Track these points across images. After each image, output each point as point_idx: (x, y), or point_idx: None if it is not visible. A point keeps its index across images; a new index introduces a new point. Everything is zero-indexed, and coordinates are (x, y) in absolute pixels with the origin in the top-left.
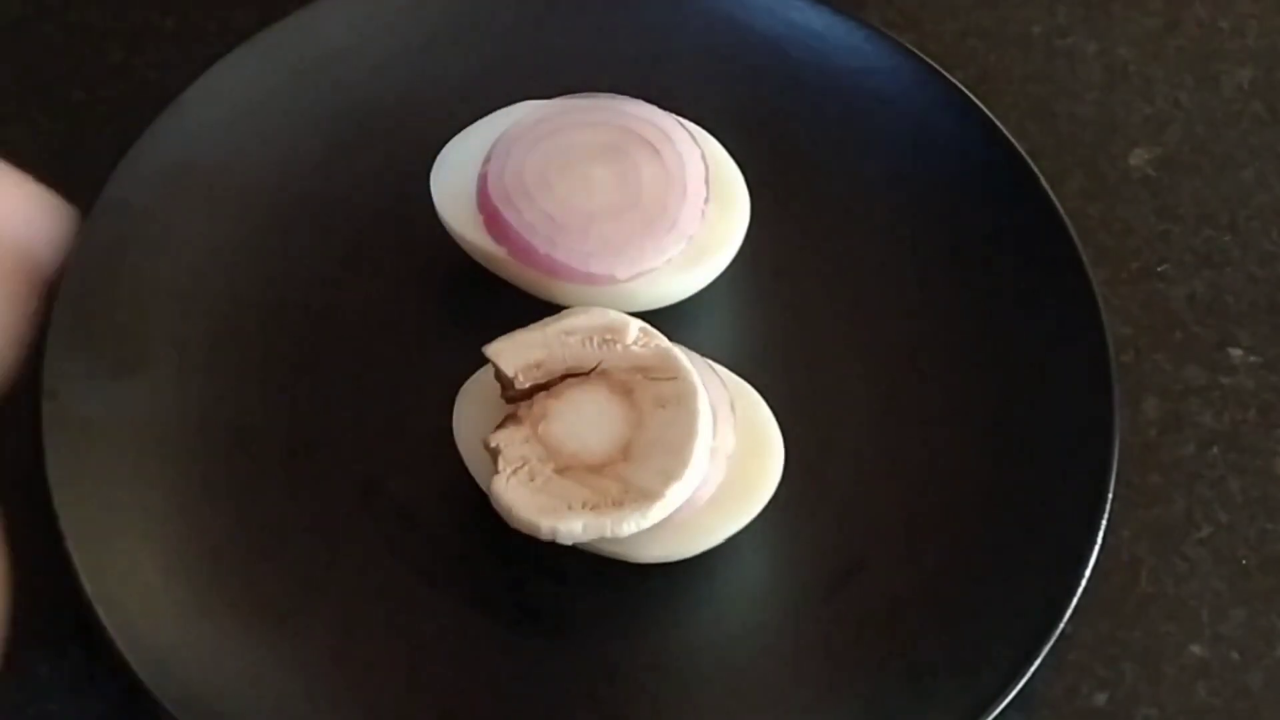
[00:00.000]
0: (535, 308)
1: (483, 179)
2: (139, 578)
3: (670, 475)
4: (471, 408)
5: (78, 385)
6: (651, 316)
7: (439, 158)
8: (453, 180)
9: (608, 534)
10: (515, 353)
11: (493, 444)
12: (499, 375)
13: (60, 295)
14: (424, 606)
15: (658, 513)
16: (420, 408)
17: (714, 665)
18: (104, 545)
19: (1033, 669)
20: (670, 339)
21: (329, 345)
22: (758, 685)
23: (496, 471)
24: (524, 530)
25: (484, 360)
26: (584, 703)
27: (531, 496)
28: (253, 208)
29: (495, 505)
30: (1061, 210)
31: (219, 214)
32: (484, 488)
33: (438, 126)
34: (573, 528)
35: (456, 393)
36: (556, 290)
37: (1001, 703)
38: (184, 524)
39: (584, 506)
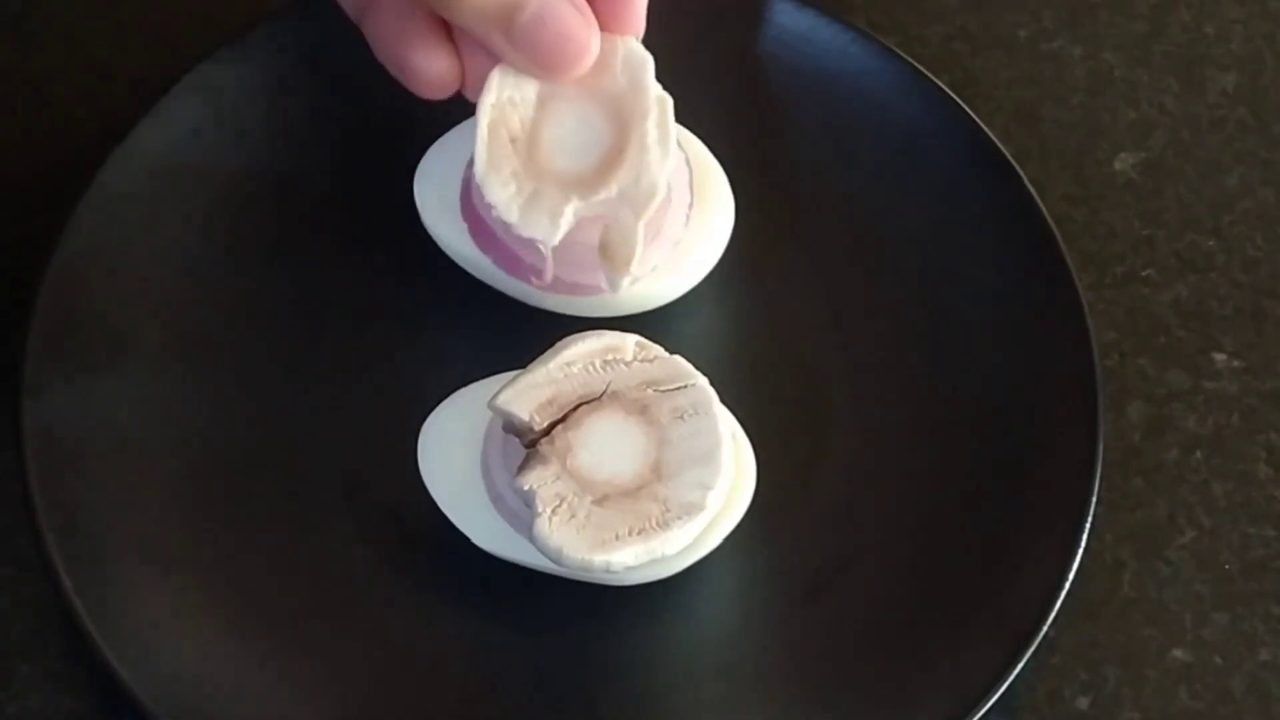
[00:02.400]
0: (520, 313)
1: (466, 184)
2: (119, 576)
3: (707, 485)
4: (437, 449)
5: (59, 383)
6: (637, 320)
7: (422, 163)
8: (436, 186)
9: (658, 555)
10: (525, 397)
11: (526, 487)
12: (513, 425)
13: (44, 292)
14: (405, 608)
15: (702, 522)
16: (405, 413)
17: (693, 681)
18: (84, 543)
19: (1015, 672)
20: (653, 341)
21: (313, 349)
22: (738, 697)
23: (536, 514)
24: (575, 568)
25: (468, 367)
26: (560, 713)
27: (577, 534)
28: (237, 210)
29: (541, 549)
30: (1046, 214)
31: (203, 215)
32: (461, 529)
33: (421, 131)
34: (624, 557)
35: (441, 397)
36: (542, 297)
37: (984, 706)
38: (165, 521)
39: (631, 533)
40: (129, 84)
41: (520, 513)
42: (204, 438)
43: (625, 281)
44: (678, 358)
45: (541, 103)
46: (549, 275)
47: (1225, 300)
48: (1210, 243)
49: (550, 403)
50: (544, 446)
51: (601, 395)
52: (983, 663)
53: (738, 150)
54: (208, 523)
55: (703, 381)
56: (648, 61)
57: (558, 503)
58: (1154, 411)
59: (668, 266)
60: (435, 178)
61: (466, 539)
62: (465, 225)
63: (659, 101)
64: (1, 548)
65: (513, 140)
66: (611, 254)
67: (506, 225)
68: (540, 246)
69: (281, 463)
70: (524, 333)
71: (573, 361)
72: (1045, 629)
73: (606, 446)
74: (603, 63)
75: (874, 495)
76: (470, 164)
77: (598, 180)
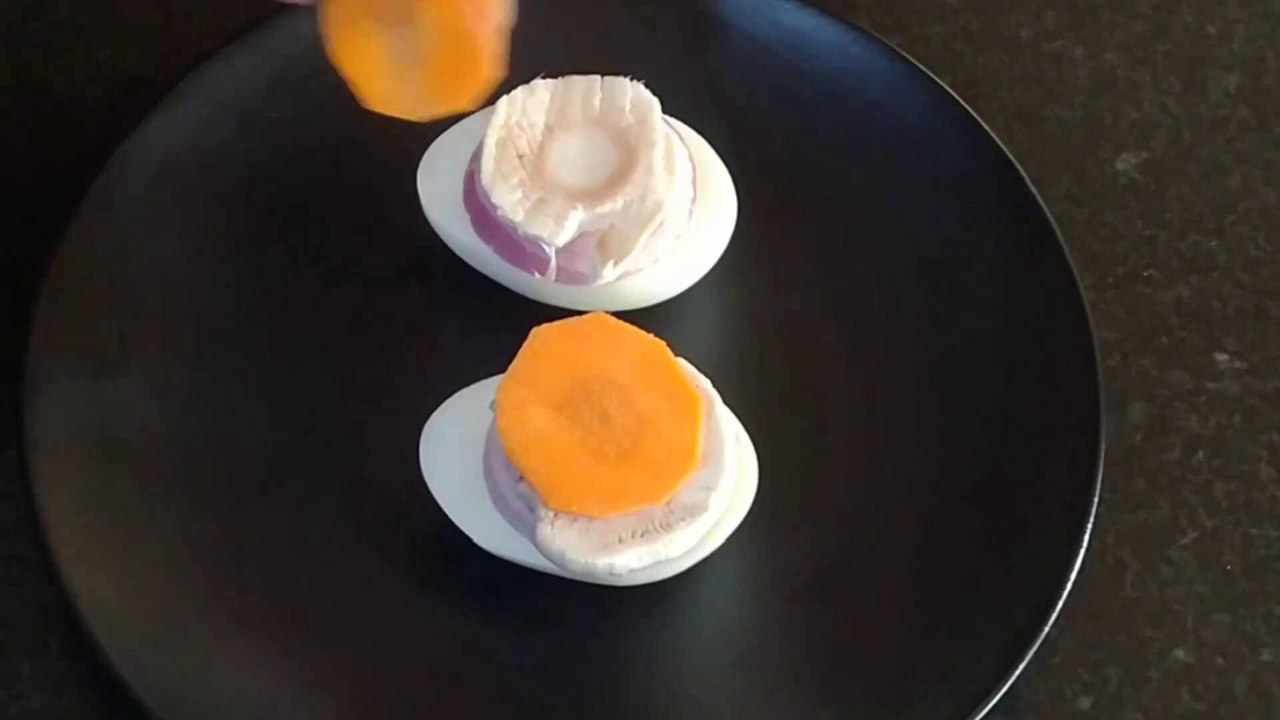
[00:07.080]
0: (523, 306)
1: (470, 177)
2: (120, 576)
3: (710, 487)
4: (439, 449)
5: (62, 382)
6: (639, 315)
7: (425, 156)
8: (439, 178)
9: (661, 557)
10: None
11: (527, 491)
12: None
13: (46, 291)
14: (407, 608)
15: (705, 523)
16: (406, 407)
17: (696, 680)
18: (85, 543)
19: (1017, 673)
20: (656, 337)
21: (315, 344)
22: (740, 696)
23: (539, 519)
24: (579, 572)
25: (469, 367)
26: (563, 713)
27: (580, 537)
28: (239, 207)
29: (544, 553)
30: (1049, 214)
31: (205, 213)
32: (463, 529)
33: (424, 124)
34: (628, 560)
35: (443, 397)
36: (544, 289)
37: (986, 706)
38: (166, 523)
39: (634, 536)
40: (129, 84)
41: (522, 514)
42: (204, 438)
43: (609, 270)
44: (681, 360)
45: (549, 130)
46: (553, 274)
47: (1227, 300)
48: (1212, 243)
49: None
50: None
51: None
52: (984, 663)
53: (741, 149)
54: (208, 523)
55: (705, 383)
56: (654, 103)
57: None
58: (1156, 412)
59: (670, 261)
60: (438, 170)
61: (468, 539)
62: (468, 216)
63: (666, 138)
64: (2, 547)
65: (520, 156)
66: (605, 249)
67: (512, 223)
68: (544, 246)
69: (283, 463)
70: (526, 332)
71: None
72: (1047, 629)
73: None
74: (612, 103)
75: (876, 496)
76: (474, 157)
77: (604, 193)
